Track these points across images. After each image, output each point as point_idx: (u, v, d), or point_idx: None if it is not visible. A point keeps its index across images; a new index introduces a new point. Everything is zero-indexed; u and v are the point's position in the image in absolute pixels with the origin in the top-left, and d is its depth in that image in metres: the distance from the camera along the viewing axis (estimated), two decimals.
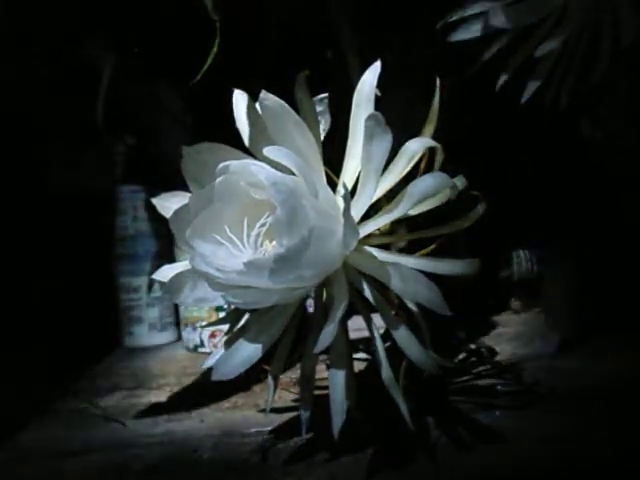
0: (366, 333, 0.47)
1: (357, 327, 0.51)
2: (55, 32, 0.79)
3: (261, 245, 0.45)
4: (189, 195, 0.47)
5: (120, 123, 0.89)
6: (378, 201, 0.48)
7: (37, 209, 0.87)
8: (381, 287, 0.46)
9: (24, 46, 0.79)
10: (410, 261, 0.45)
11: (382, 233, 0.49)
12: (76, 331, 0.82)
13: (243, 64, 0.72)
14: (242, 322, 0.50)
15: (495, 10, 0.55)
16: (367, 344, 0.66)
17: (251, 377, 0.62)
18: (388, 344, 0.46)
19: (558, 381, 0.60)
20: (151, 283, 0.88)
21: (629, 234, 0.72)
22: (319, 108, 0.70)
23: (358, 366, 0.59)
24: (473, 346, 0.70)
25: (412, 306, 0.45)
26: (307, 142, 0.46)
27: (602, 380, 0.60)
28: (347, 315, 0.45)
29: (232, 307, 0.53)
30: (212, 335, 0.81)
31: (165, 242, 0.89)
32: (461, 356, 0.68)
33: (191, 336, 0.83)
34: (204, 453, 0.52)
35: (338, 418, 0.44)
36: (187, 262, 0.45)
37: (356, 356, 0.54)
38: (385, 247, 0.47)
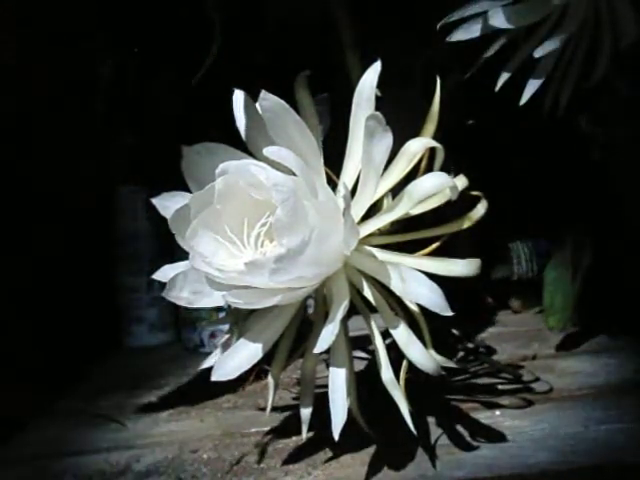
0: (366, 333, 0.47)
1: (357, 327, 0.51)
2: (55, 34, 0.79)
3: (261, 245, 0.45)
4: (189, 195, 0.47)
5: (120, 123, 0.89)
6: (378, 201, 0.48)
7: (38, 209, 0.87)
8: (381, 287, 0.46)
9: (25, 46, 0.79)
10: (410, 261, 0.45)
11: (382, 233, 0.49)
12: (76, 331, 0.82)
13: (243, 64, 0.72)
14: (242, 322, 0.50)
15: (495, 10, 0.55)
16: (367, 344, 0.66)
17: (250, 377, 0.63)
18: (388, 344, 0.46)
19: (557, 381, 0.60)
20: (151, 283, 0.88)
21: (629, 233, 0.72)
22: (319, 108, 0.70)
23: (358, 366, 0.59)
24: (472, 345, 0.71)
25: (412, 306, 0.45)
26: (307, 142, 0.45)
27: (601, 380, 0.60)
28: (347, 315, 0.45)
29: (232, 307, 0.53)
30: (212, 335, 0.81)
31: (165, 242, 0.89)
32: (460, 355, 0.68)
33: (191, 336, 0.83)
34: (204, 453, 0.52)
35: (338, 418, 0.44)
36: (187, 262, 0.45)
37: (356, 356, 0.54)
38: (385, 247, 0.47)
